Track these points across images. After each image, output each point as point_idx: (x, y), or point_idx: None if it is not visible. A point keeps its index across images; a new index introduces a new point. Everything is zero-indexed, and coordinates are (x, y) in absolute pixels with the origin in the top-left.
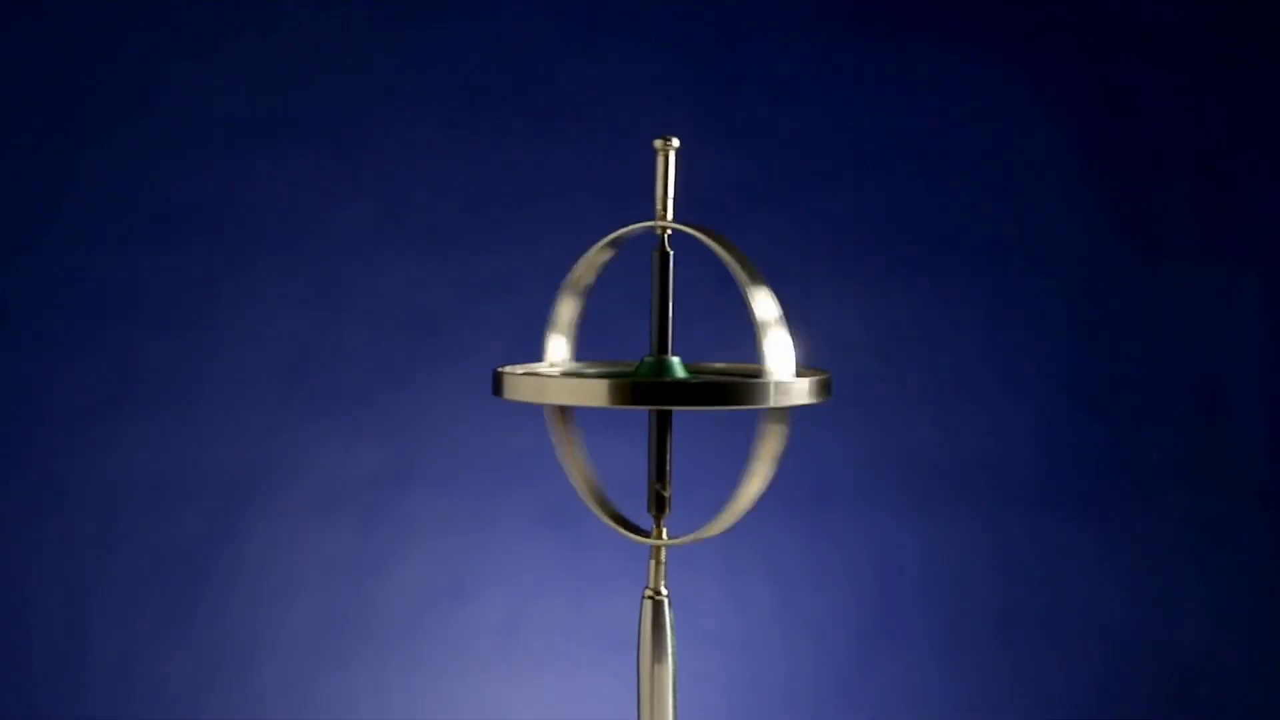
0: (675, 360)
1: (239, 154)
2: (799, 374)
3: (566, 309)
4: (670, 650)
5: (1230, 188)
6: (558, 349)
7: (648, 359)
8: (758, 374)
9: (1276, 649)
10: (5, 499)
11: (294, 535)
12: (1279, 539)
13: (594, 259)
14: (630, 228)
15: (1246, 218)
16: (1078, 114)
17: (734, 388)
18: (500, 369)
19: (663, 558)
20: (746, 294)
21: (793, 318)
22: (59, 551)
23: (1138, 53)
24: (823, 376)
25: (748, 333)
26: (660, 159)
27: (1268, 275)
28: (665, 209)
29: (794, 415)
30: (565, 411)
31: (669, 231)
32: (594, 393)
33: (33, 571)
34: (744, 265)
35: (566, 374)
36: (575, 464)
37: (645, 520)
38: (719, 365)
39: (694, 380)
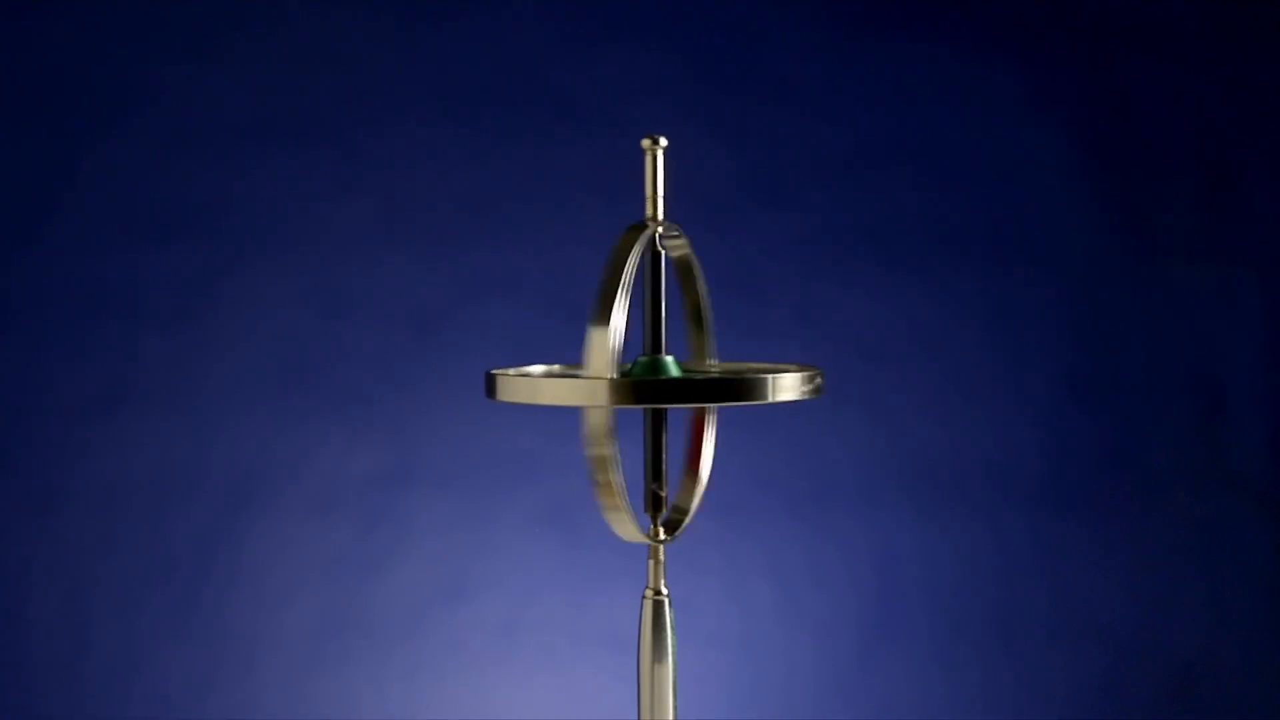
0: (669, 359)
1: (239, 154)
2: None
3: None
4: (670, 650)
5: (1230, 188)
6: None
7: (641, 359)
8: (751, 375)
9: (1276, 649)
10: (5, 499)
11: (294, 535)
12: (1279, 539)
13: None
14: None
15: (1246, 217)
16: (1078, 114)
17: (729, 384)
18: (493, 371)
19: (661, 557)
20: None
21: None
22: (59, 551)
23: (1138, 53)
24: (816, 371)
25: (742, 333)
26: (648, 158)
27: (1268, 275)
28: (655, 208)
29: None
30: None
31: (660, 231)
32: (589, 392)
33: (33, 571)
34: None
35: (561, 374)
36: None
37: (642, 520)
38: (712, 365)
39: (688, 377)
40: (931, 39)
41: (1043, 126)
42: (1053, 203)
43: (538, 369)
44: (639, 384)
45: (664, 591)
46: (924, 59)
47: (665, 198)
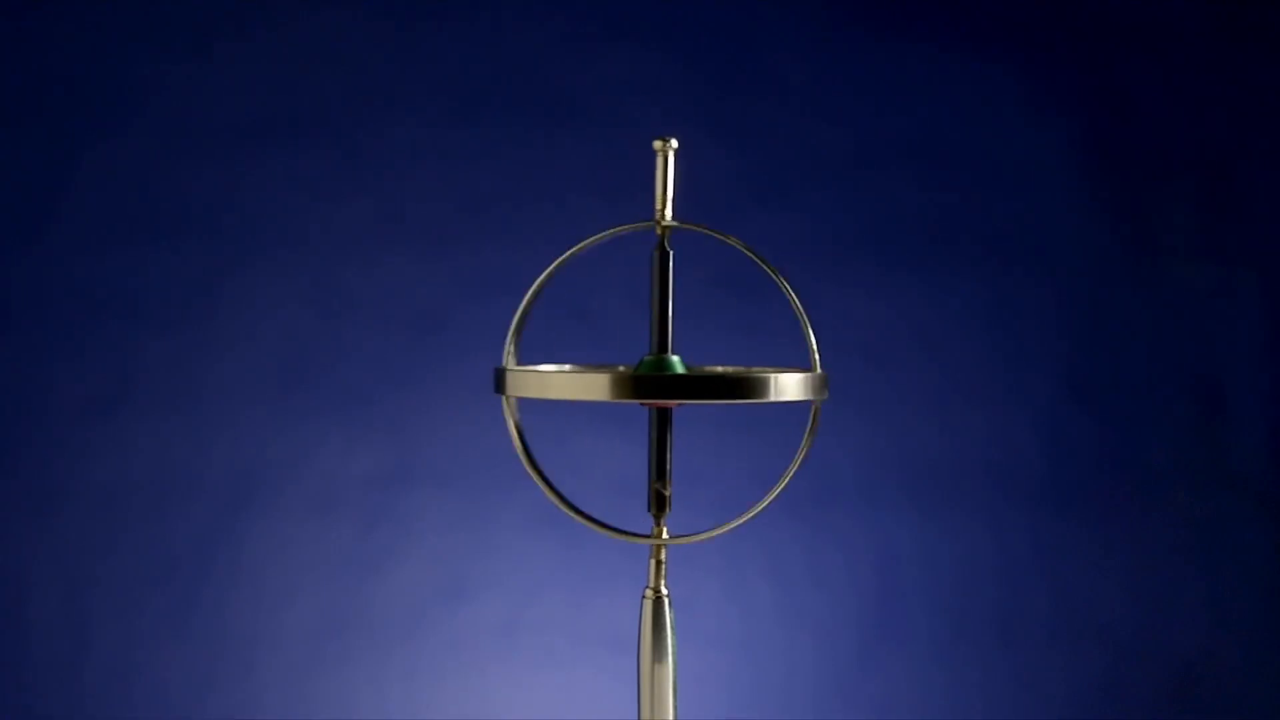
0: (675, 359)
1: (239, 154)
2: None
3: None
4: (670, 650)
5: (1230, 188)
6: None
7: (647, 358)
8: (757, 374)
9: (1276, 649)
10: (5, 499)
11: (294, 535)
12: (1279, 539)
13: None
14: (629, 226)
15: (1246, 218)
16: (1078, 114)
17: (734, 381)
18: (501, 367)
19: (663, 557)
20: (781, 285)
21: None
22: (59, 551)
23: (1138, 53)
24: (822, 373)
25: (744, 334)
26: (660, 159)
27: (1267, 275)
28: (665, 208)
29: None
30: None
31: (668, 231)
32: (596, 387)
33: (33, 571)
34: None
35: (568, 370)
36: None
37: (646, 520)
38: (718, 367)
39: (694, 373)
40: (931, 39)
41: (1043, 126)
42: (1053, 203)
43: (547, 368)
44: (641, 379)
45: (664, 591)
46: (924, 59)
47: (674, 198)
